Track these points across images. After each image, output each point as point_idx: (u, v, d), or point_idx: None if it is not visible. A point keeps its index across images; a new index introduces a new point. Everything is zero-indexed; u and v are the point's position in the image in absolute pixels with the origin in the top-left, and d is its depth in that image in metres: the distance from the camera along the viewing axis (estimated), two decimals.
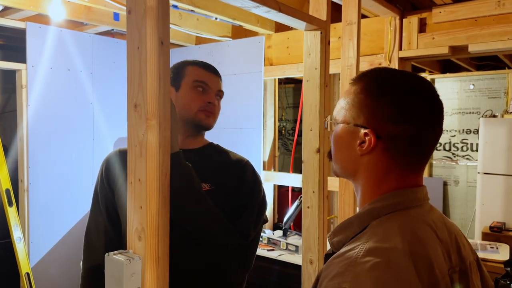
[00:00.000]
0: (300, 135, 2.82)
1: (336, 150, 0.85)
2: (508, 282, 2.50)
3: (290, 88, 5.74)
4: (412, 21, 2.91)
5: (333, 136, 0.85)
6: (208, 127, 1.36)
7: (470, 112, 4.53)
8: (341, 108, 0.83)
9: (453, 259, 0.75)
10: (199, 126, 1.34)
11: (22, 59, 3.07)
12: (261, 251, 3.22)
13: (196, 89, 1.33)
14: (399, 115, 0.76)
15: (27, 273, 2.89)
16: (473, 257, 0.83)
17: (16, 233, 2.86)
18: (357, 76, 0.85)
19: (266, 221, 1.35)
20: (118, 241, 1.35)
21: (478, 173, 3.81)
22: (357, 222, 0.77)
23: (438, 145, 4.67)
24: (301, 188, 2.24)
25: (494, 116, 4.14)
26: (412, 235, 0.71)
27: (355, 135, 0.79)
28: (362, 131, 0.78)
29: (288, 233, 3.47)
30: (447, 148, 4.64)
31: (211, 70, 1.38)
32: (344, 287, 0.64)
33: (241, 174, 1.35)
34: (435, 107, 0.78)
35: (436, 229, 0.75)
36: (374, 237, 0.71)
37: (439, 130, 0.79)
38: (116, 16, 3.18)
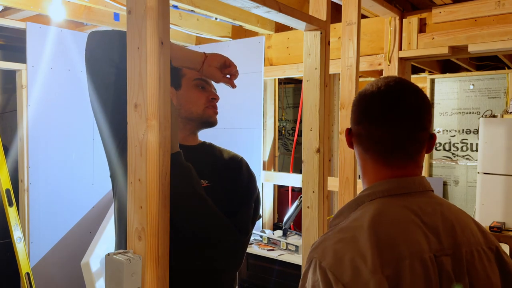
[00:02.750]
0: (300, 135, 2.82)
1: None
2: None
3: (290, 88, 5.74)
4: (412, 21, 2.91)
5: None
6: (215, 124, 1.38)
7: (470, 112, 4.53)
8: None
9: (444, 243, 0.81)
10: (207, 122, 1.37)
11: (22, 59, 3.07)
12: (261, 251, 3.22)
13: (198, 87, 1.36)
14: (358, 116, 0.91)
15: (27, 273, 2.89)
16: (486, 246, 0.85)
17: (16, 233, 2.86)
18: None
19: (260, 216, 1.36)
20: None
21: (478, 173, 3.81)
22: (348, 208, 0.89)
23: (438, 145, 4.67)
24: (301, 188, 2.24)
25: (494, 116, 4.14)
26: (383, 216, 0.81)
27: None
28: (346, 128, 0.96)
29: (288, 233, 3.47)
30: (447, 148, 4.64)
31: None
32: (314, 257, 0.78)
33: (237, 170, 1.37)
34: (392, 113, 0.86)
35: (421, 214, 0.82)
36: (350, 218, 0.84)
37: (399, 130, 0.86)
38: (116, 16, 3.18)
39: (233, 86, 1.37)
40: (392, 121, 0.86)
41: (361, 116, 0.90)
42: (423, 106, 0.88)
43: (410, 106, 0.87)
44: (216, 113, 1.38)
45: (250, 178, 1.38)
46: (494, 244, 0.88)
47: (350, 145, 0.95)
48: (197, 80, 1.35)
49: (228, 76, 1.36)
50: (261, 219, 3.68)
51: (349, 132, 0.94)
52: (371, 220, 0.79)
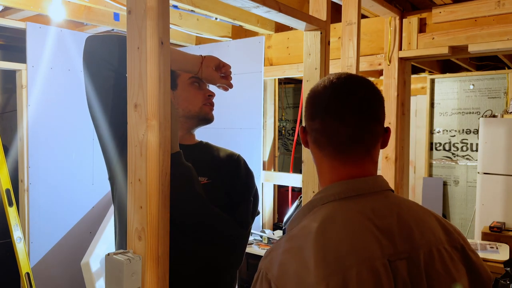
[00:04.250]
0: None
1: None
2: (508, 282, 2.51)
3: (290, 88, 5.74)
4: (412, 21, 2.91)
5: None
6: (212, 120, 1.40)
7: (470, 112, 4.53)
8: None
9: (399, 247, 0.77)
10: (204, 120, 1.38)
11: (22, 59, 3.07)
12: (261, 251, 3.22)
13: (194, 85, 1.37)
14: (312, 112, 0.88)
15: (27, 273, 2.89)
16: (448, 245, 0.82)
17: (16, 233, 2.86)
18: None
19: (259, 212, 1.39)
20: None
21: (478, 173, 3.82)
22: (302, 213, 0.86)
23: (438, 145, 4.67)
24: (301, 188, 2.24)
25: (494, 116, 4.14)
26: (332, 223, 0.78)
27: None
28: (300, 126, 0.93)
29: None
30: (447, 148, 4.64)
31: None
32: (262, 268, 0.77)
33: (235, 167, 1.40)
34: (346, 104, 0.84)
35: (374, 218, 0.79)
36: (300, 225, 0.81)
37: (354, 121, 0.84)
38: (116, 16, 3.18)
39: (230, 86, 1.39)
40: (347, 113, 0.83)
41: (315, 111, 0.87)
42: (375, 97, 0.86)
43: (363, 97, 0.85)
44: (212, 110, 1.40)
45: (248, 174, 1.41)
46: (459, 242, 0.84)
47: (306, 144, 0.91)
48: (192, 78, 1.37)
49: (223, 77, 1.38)
50: (261, 219, 3.68)
51: (303, 130, 0.91)
52: (318, 228, 0.76)
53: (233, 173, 1.38)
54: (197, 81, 1.38)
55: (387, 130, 0.88)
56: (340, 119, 0.83)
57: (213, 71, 1.34)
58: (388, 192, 0.86)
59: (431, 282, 0.77)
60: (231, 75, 1.42)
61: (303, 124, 0.92)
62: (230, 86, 1.39)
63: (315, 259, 0.72)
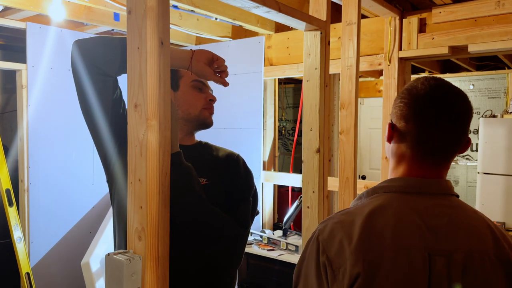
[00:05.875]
0: (300, 135, 2.82)
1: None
2: None
3: (290, 88, 5.74)
4: (412, 21, 2.91)
5: None
6: (211, 125, 1.40)
7: None
8: None
9: (441, 244, 0.84)
10: (203, 124, 1.38)
11: (22, 59, 3.07)
12: (261, 251, 3.22)
13: (196, 88, 1.37)
14: (409, 114, 0.92)
15: (27, 273, 2.89)
16: (494, 255, 0.84)
17: (16, 233, 2.86)
18: None
19: (258, 212, 1.39)
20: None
21: (478, 173, 3.81)
22: (366, 194, 0.95)
23: None
24: (301, 188, 2.24)
25: (494, 116, 4.14)
26: (384, 210, 0.87)
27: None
28: (388, 122, 0.97)
29: (288, 233, 3.47)
30: None
31: None
32: (317, 229, 0.89)
33: (234, 167, 1.40)
34: (446, 116, 0.90)
35: (425, 215, 0.86)
36: (359, 205, 0.91)
37: (449, 135, 0.90)
38: (116, 16, 3.18)
39: (225, 84, 1.30)
40: (445, 124, 0.89)
41: (411, 114, 0.91)
42: (470, 112, 0.93)
43: (461, 112, 0.91)
44: (211, 114, 1.39)
45: (247, 174, 1.41)
46: (507, 255, 0.85)
47: (390, 139, 0.96)
48: (195, 81, 1.36)
49: (218, 72, 1.30)
50: (261, 219, 3.68)
51: (392, 127, 0.95)
52: (371, 210, 0.86)
53: (232, 173, 1.38)
54: (199, 85, 1.37)
55: (469, 140, 0.94)
56: (437, 129, 0.89)
57: (204, 65, 1.25)
58: (449, 197, 0.92)
59: (466, 285, 0.82)
60: (228, 74, 1.31)
61: (392, 121, 0.96)
62: (224, 84, 1.30)
63: (359, 234, 0.83)
